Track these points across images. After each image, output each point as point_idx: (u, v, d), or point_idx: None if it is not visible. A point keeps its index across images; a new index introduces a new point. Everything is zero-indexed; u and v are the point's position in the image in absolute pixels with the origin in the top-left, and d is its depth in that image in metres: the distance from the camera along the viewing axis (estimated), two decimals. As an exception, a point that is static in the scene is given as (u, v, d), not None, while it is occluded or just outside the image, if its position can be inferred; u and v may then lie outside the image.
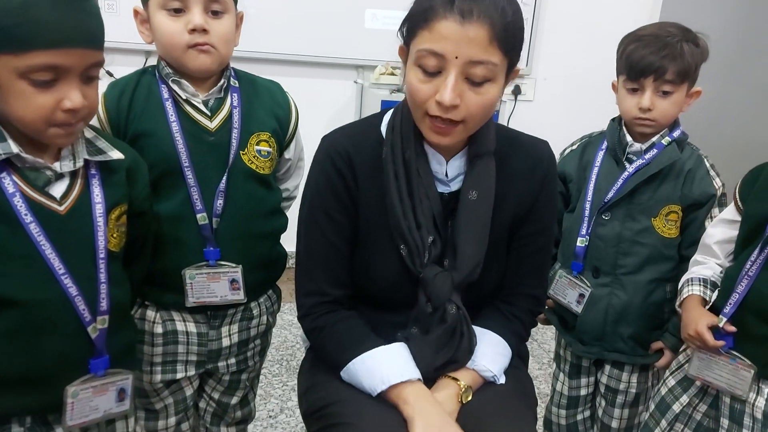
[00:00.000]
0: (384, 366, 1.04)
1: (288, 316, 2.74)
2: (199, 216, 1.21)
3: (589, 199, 1.46)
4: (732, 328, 1.19)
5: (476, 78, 0.95)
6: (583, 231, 1.46)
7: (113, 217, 0.99)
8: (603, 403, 1.55)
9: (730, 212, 1.30)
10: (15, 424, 0.88)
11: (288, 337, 2.63)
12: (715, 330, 1.20)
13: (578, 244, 1.46)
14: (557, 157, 1.58)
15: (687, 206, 1.41)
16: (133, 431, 1.07)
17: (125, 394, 1.01)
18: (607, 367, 1.51)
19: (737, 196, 1.27)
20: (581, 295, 1.46)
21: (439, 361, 1.07)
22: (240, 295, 1.28)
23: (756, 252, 1.18)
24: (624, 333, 1.45)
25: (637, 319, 1.44)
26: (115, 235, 1.00)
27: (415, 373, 1.04)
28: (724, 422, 1.22)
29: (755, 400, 1.18)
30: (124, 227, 1.03)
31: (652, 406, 1.37)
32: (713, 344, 1.19)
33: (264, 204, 1.31)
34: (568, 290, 1.49)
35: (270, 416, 2.10)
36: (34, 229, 0.89)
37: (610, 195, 1.42)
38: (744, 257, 1.20)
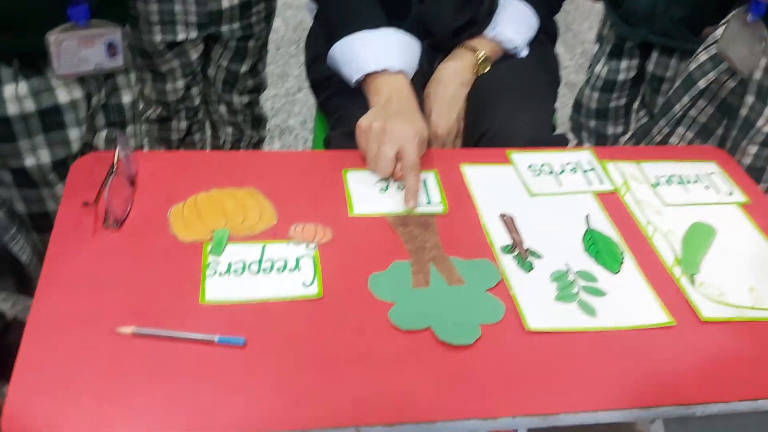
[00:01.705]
0: (363, 53, 0.91)
1: (304, -4, 2.62)
2: None
3: None
4: None
5: None
6: None
7: None
8: (648, 90, 1.47)
9: None
10: (3, 66, 0.86)
11: (304, 18, 2.54)
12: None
13: None
14: None
15: None
16: (134, 85, 1.05)
17: (116, 49, 0.97)
18: (654, 55, 1.41)
19: None
20: None
21: (458, 23, 0.99)
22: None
23: None
24: (675, 15, 1.32)
25: (692, 1, 1.29)
26: None
27: (396, 63, 0.90)
28: (749, 99, 1.14)
29: None
30: None
31: (678, 83, 1.29)
32: None
33: None
34: None
35: (288, 94, 2.12)
36: None
37: None
38: None
